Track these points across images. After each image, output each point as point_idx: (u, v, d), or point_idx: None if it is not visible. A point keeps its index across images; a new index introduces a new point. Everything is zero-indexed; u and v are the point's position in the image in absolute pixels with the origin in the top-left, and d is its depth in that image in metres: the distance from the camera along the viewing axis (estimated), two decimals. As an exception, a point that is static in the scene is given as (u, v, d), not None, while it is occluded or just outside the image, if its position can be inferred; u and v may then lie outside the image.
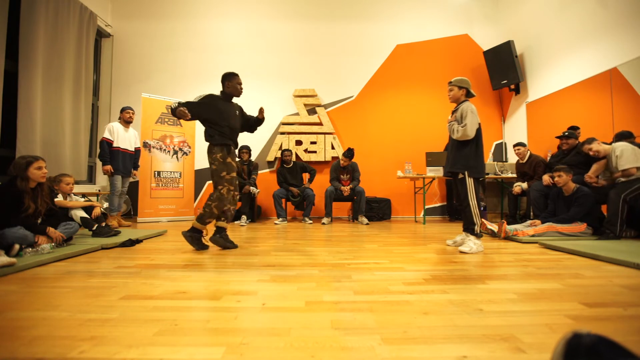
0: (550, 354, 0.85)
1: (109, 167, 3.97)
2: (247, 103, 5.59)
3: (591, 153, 3.10)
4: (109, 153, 3.99)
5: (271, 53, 5.63)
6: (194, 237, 2.42)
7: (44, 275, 1.68)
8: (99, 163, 4.54)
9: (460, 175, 2.45)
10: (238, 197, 2.69)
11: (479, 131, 2.42)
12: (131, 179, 4.35)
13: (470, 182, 2.41)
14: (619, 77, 3.62)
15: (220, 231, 2.48)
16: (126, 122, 4.19)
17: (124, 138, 4.15)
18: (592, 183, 3.10)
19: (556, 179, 3.01)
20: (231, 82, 2.71)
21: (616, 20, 3.66)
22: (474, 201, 2.41)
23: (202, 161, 5.39)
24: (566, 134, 3.54)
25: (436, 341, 0.94)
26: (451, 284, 1.52)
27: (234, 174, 2.55)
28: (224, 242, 2.46)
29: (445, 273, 1.73)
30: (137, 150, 4.35)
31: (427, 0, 5.75)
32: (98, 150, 4.27)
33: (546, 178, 3.52)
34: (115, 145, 4.05)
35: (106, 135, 4.03)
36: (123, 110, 4.21)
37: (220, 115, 2.57)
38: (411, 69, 5.67)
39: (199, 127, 5.32)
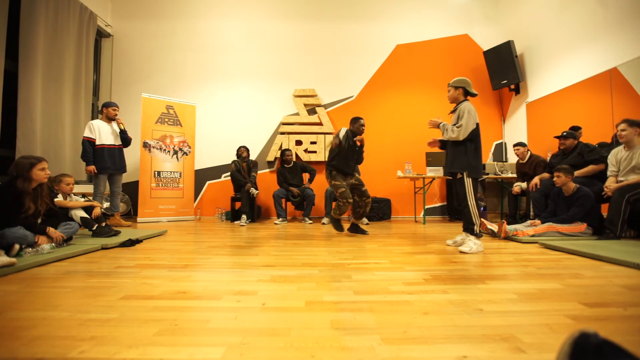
0: (551, 353, 0.85)
1: (92, 167, 3.79)
2: (248, 103, 5.62)
3: (619, 132, 2.88)
4: (92, 153, 3.80)
5: (271, 53, 5.63)
6: (335, 223, 3.37)
7: (44, 275, 1.68)
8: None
9: (459, 175, 2.46)
10: (351, 201, 3.26)
11: (477, 131, 2.42)
12: (122, 126, 4.02)
13: (468, 183, 2.41)
14: (619, 77, 3.62)
15: (354, 225, 3.45)
16: (110, 119, 4.00)
17: (107, 133, 3.95)
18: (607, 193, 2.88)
19: (555, 178, 3.01)
20: (355, 124, 3.33)
21: (616, 20, 3.66)
22: (473, 201, 2.41)
23: (202, 161, 5.40)
24: (564, 134, 3.49)
25: (436, 341, 0.94)
26: (451, 284, 1.52)
27: (343, 189, 3.22)
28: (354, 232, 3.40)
29: (445, 273, 1.73)
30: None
31: (427, 0, 5.75)
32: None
33: (523, 186, 3.80)
34: (99, 143, 3.86)
35: (87, 134, 3.83)
36: (108, 106, 4.00)
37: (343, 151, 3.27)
38: (411, 69, 5.67)
39: (199, 128, 5.33)
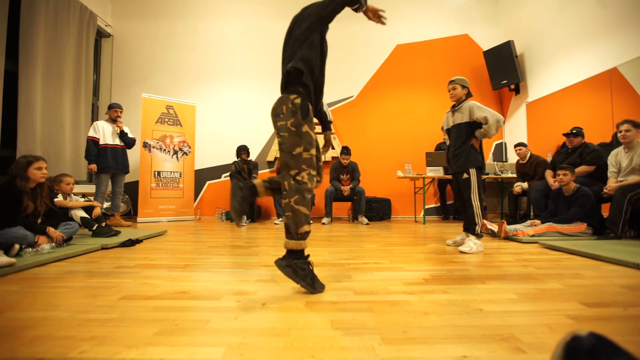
0: (550, 355, 0.85)
1: (93, 166, 3.87)
2: (248, 103, 5.62)
3: (622, 134, 2.89)
4: (95, 152, 3.89)
5: (271, 53, 5.62)
6: (296, 266, 1.37)
7: (44, 275, 1.68)
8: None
9: (465, 176, 2.46)
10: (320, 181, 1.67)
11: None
12: (118, 129, 4.07)
13: (474, 182, 2.42)
14: (619, 77, 3.62)
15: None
16: (112, 120, 4.09)
17: (111, 134, 4.04)
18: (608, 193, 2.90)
19: (560, 176, 2.97)
20: None
21: (616, 20, 3.66)
22: (477, 202, 2.41)
23: (202, 161, 5.40)
24: (574, 131, 3.44)
25: (436, 341, 0.94)
26: (451, 284, 1.52)
27: (313, 151, 1.53)
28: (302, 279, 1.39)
29: (445, 273, 1.73)
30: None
31: (427, 0, 5.75)
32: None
33: (550, 180, 3.49)
34: (102, 142, 3.95)
35: (91, 133, 3.93)
36: (110, 107, 4.11)
37: None
38: (411, 69, 5.67)
39: (199, 128, 5.33)
